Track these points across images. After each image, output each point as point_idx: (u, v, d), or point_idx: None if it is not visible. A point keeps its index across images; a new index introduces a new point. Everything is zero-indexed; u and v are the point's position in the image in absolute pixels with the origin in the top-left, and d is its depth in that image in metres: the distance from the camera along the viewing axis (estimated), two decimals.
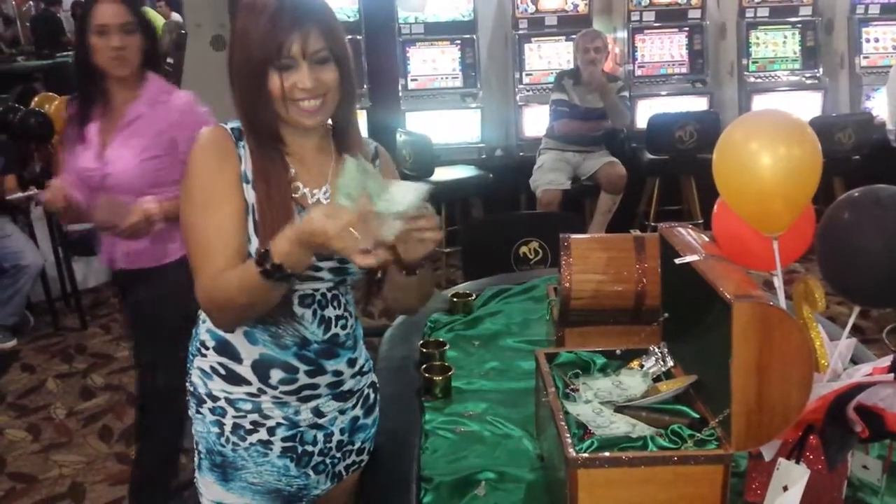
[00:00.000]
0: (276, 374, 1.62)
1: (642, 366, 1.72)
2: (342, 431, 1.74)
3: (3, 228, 4.60)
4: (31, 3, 12.03)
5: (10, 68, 10.11)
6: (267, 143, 1.54)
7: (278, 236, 1.37)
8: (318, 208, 1.34)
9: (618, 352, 1.81)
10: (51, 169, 4.89)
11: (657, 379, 1.69)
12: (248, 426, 1.65)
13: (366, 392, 1.80)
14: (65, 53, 10.71)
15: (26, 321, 4.86)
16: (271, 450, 1.67)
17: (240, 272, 1.43)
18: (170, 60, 8.27)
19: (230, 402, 1.65)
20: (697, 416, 1.54)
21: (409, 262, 1.47)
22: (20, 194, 4.70)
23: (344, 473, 1.79)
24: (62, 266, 4.93)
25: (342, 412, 1.74)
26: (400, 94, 5.70)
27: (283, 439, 1.67)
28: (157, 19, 11.40)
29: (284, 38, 1.44)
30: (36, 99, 6.02)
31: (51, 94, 6.08)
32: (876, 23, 6.06)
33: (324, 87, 1.49)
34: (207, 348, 1.66)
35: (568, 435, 1.50)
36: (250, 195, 1.53)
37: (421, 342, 2.32)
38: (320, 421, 1.70)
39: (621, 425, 1.53)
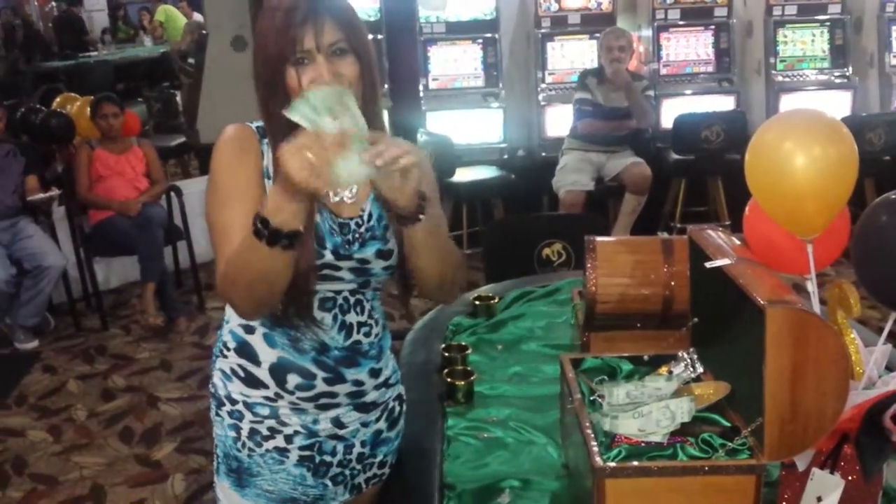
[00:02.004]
0: (292, 379, 1.59)
1: (671, 372, 1.68)
2: (364, 444, 1.70)
3: (25, 229, 4.61)
4: (53, 3, 12.13)
5: (33, 69, 10.21)
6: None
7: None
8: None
9: (645, 357, 1.77)
10: (72, 170, 4.92)
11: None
12: (265, 432, 1.62)
13: (391, 405, 1.75)
14: (87, 54, 10.81)
15: (47, 322, 4.88)
16: (287, 458, 1.63)
17: (242, 244, 1.38)
18: (191, 60, 8.31)
19: (248, 405, 1.62)
20: (729, 424, 1.51)
21: (400, 206, 1.40)
22: (42, 195, 4.75)
23: (364, 486, 1.75)
24: (83, 267, 4.94)
25: (364, 425, 1.69)
26: (421, 93, 5.67)
27: (301, 448, 1.64)
28: (179, 19, 11.49)
29: (298, 31, 1.42)
30: (58, 100, 6.08)
31: (73, 94, 6.13)
32: None
33: (343, 80, 1.45)
34: (229, 350, 1.64)
35: (594, 443, 1.47)
36: None
37: (443, 346, 2.29)
38: (341, 432, 1.66)
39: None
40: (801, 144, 1.47)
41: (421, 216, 1.44)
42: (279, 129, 1.49)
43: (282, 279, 1.39)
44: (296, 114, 1.27)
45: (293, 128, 1.50)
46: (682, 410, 1.48)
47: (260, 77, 1.48)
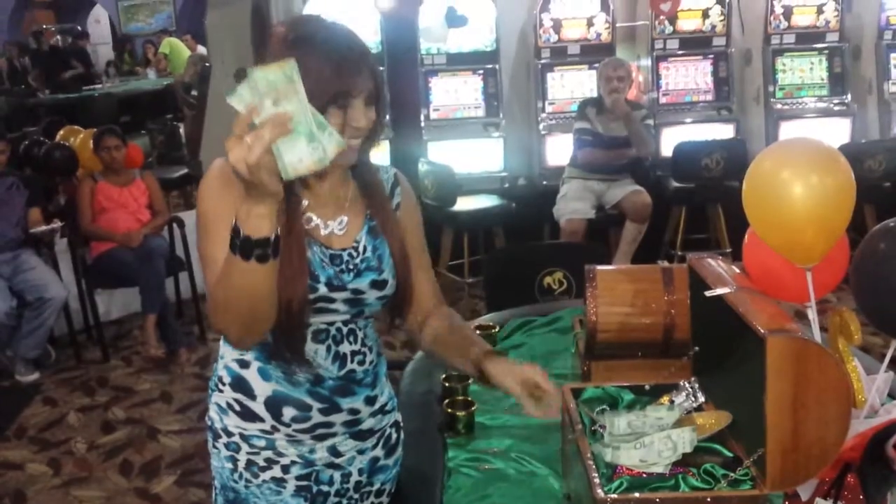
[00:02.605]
0: (288, 412, 1.59)
1: (672, 401, 1.67)
2: (360, 472, 1.69)
3: (28, 261, 4.61)
4: (58, 37, 12.25)
5: (37, 102, 10.27)
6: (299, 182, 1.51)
7: None
8: None
9: (647, 387, 1.76)
10: (74, 202, 4.93)
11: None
12: (262, 463, 1.62)
13: (388, 432, 1.74)
14: (91, 87, 10.89)
15: (48, 354, 4.86)
16: (284, 488, 1.63)
17: (223, 264, 1.35)
18: (194, 93, 8.36)
19: (244, 437, 1.62)
20: (731, 454, 1.50)
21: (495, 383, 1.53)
22: (44, 227, 4.75)
23: None
24: (85, 298, 4.93)
25: (361, 452, 1.68)
26: (422, 123, 5.70)
27: (298, 478, 1.63)
28: (183, 52, 11.59)
29: (353, 75, 1.44)
30: (61, 132, 6.11)
31: (76, 127, 6.16)
32: None
33: (370, 125, 1.49)
34: (224, 384, 1.64)
35: (596, 474, 1.46)
36: None
37: (443, 376, 2.28)
38: (337, 461, 1.65)
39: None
40: (799, 173, 1.48)
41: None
42: None
43: (265, 298, 1.36)
44: (235, 99, 1.19)
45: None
46: (684, 440, 1.47)
47: None
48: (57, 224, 4.86)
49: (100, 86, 11.13)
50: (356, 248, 1.58)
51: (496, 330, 2.60)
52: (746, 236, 1.68)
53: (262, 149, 1.16)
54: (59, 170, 5.48)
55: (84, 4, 16.01)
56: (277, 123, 1.16)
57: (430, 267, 1.77)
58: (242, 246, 1.27)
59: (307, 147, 1.19)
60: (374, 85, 1.48)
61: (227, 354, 1.64)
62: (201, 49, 10.56)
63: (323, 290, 1.52)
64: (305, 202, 1.55)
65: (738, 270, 1.63)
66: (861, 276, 1.53)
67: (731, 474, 1.42)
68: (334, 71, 1.42)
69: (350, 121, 1.45)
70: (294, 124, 1.18)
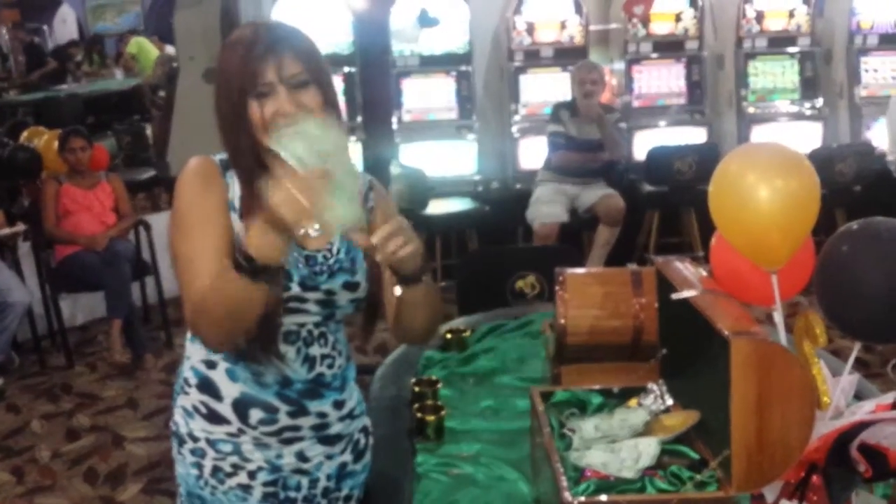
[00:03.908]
0: (255, 414, 1.58)
1: (640, 404, 1.67)
2: (329, 478, 1.68)
3: None
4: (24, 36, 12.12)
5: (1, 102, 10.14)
6: (251, 175, 1.51)
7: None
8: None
9: (615, 390, 1.76)
10: (38, 204, 4.85)
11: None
12: (228, 469, 1.61)
13: (356, 437, 1.73)
14: (57, 87, 10.77)
15: (11, 360, 4.76)
16: (251, 494, 1.61)
17: (220, 277, 1.39)
18: (161, 93, 8.29)
19: (210, 442, 1.61)
20: (697, 456, 1.50)
21: (403, 273, 1.46)
22: (7, 230, 4.67)
23: None
24: (49, 303, 4.84)
25: (329, 457, 1.67)
26: (395, 125, 5.68)
27: (265, 484, 1.62)
28: (151, 52, 11.48)
29: (258, 65, 1.45)
30: (25, 133, 6.02)
31: (40, 128, 6.07)
32: (874, 53, 6.05)
33: (306, 110, 1.47)
34: (190, 386, 1.63)
35: (564, 478, 1.46)
36: (237, 224, 1.53)
37: (413, 380, 2.26)
38: (305, 466, 1.64)
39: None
40: (764, 177, 1.48)
41: (423, 277, 1.48)
42: (243, 162, 1.51)
43: (255, 312, 1.40)
44: (283, 148, 1.27)
45: (258, 160, 1.50)
46: (649, 454, 1.48)
47: (222, 111, 1.51)
48: (20, 227, 4.79)
49: (65, 86, 11.01)
50: (330, 250, 1.58)
51: (467, 334, 2.59)
52: (714, 239, 1.68)
53: (315, 207, 1.26)
54: (23, 171, 5.40)
55: (50, 4, 15.81)
56: (324, 179, 1.25)
57: None
58: (254, 271, 1.33)
59: (347, 205, 1.29)
60: (301, 69, 1.47)
61: (194, 355, 1.63)
62: (169, 49, 10.45)
63: (296, 289, 1.53)
64: None
65: (705, 273, 1.63)
66: (824, 279, 1.53)
67: (697, 476, 1.43)
68: (240, 64, 1.45)
69: (277, 110, 1.45)
70: (334, 182, 1.27)
